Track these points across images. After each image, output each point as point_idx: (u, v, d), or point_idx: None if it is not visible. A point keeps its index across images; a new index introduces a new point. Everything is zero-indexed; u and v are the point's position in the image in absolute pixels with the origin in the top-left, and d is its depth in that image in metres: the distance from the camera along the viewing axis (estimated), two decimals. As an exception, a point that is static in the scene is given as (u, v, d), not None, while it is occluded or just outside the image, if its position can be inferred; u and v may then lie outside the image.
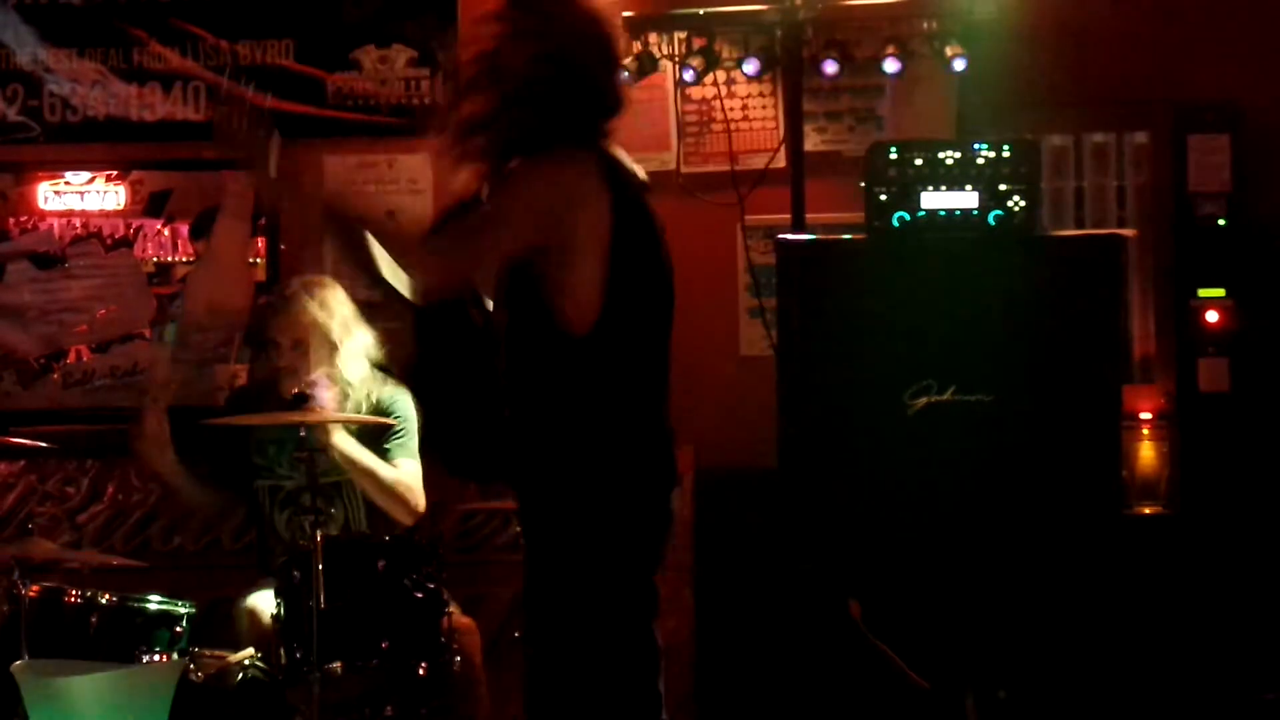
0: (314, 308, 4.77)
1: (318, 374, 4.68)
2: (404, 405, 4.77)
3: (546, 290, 3.21)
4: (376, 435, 4.78)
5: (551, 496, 3.26)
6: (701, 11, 5.30)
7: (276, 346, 4.78)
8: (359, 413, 4.76)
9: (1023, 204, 4.65)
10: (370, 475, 4.70)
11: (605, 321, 3.21)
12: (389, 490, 4.70)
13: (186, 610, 4.49)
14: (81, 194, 5.67)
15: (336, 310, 4.81)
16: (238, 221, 5.64)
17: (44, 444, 4.98)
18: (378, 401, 4.81)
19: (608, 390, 3.24)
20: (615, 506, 3.24)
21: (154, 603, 4.46)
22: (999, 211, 4.65)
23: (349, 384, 4.77)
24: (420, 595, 4.39)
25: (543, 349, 3.24)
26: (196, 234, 5.65)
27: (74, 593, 4.39)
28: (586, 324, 3.20)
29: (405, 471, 4.75)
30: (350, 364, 4.79)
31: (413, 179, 5.64)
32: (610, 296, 3.21)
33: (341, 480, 4.77)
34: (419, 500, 4.76)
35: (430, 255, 3.27)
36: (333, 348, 4.77)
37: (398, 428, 4.78)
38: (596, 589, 3.24)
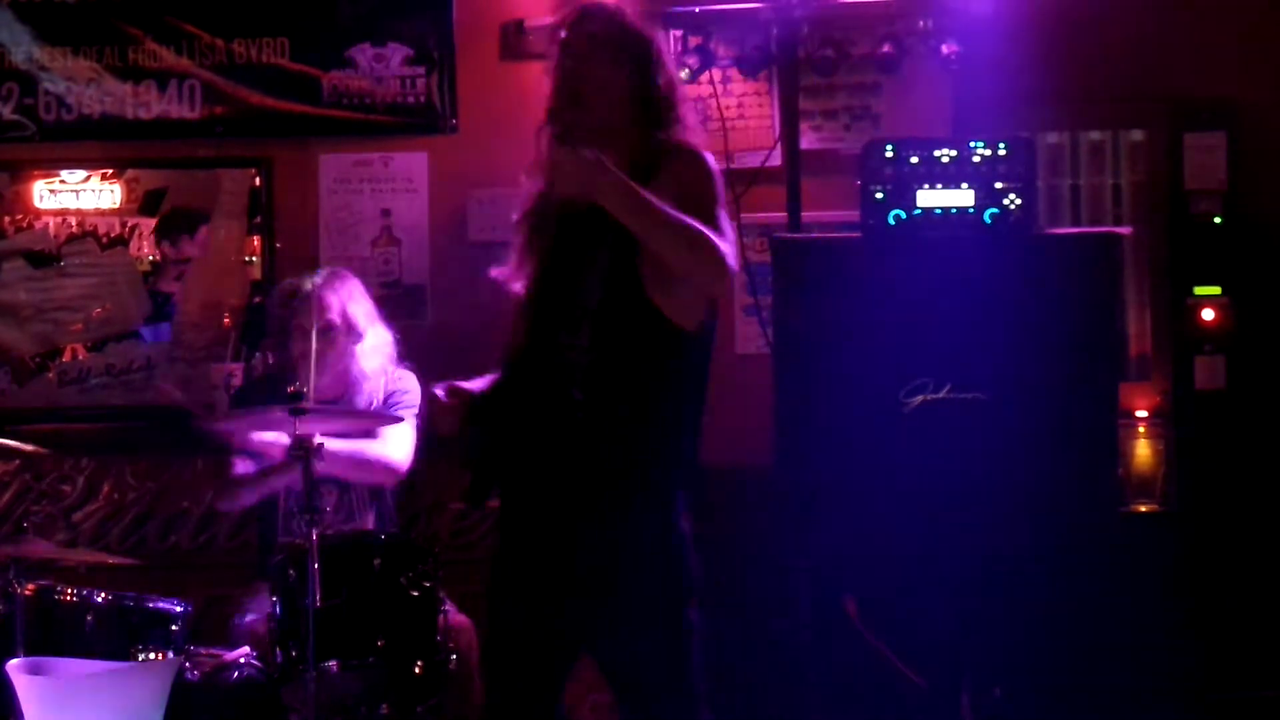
0: (342, 297, 4.86)
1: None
2: (410, 381, 4.89)
3: (650, 281, 3.37)
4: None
5: (637, 477, 3.40)
6: (697, 9, 5.30)
7: (303, 334, 4.79)
8: (372, 404, 4.84)
9: (1019, 202, 4.65)
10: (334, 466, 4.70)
11: (709, 319, 3.46)
12: (353, 462, 4.71)
13: (182, 608, 4.49)
14: (77, 192, 5.66)
15: (360, 303, 4.91)
16: (233, 220, 5.64)
17: (32, 447, 4.98)
18: (389, 389, 4.90)
19: (700, 382, 3.49)
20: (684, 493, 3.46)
21: (150, 601, 4.46)
22: (995, 209, 4.65)
23: (364, 376, 4.86)
24: (416, 594, 4.38)
25: (650, 338, 3.38)
26: (165, 233, 5.64)
27: (69, 591, 4.38)
28: (696, 320, 3.41)
29: (380, 439, 4.77)
30: (369, 356, 4.88)
31: (408, 177, 5.64)
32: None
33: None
34: (394, 460, 4.76)
35: (726, 246, 3.38)
36: (357, 338, 4.86)
37: (397, 399, 4.86)
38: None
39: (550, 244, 3.56)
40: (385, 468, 4.76)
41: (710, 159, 3.51)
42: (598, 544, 3.41)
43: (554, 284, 3.50)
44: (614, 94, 3.50)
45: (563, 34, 3.57)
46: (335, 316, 4.85)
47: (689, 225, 3.32)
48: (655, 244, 3.33)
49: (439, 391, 3.55)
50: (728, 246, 3.36)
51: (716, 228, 3.37)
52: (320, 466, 4.42)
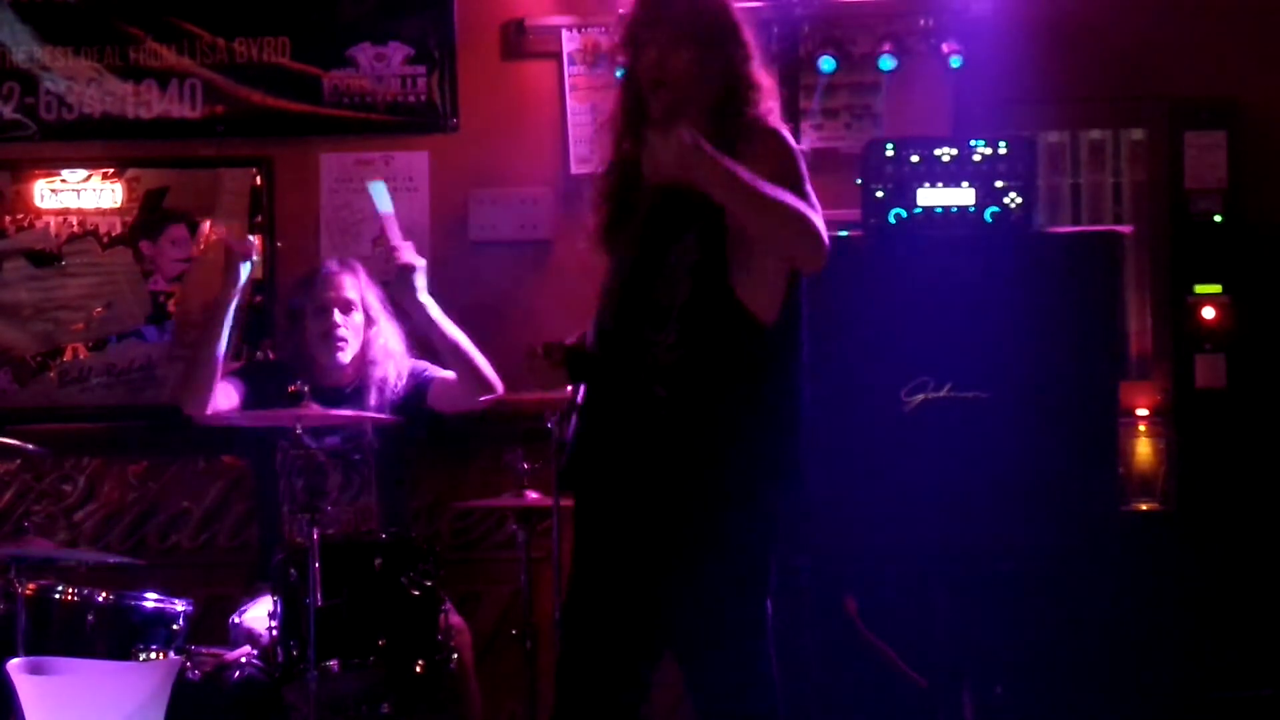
0: (359, 281, 4.99)
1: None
2: (425, 362, 5.03)
3: (735, 275, 3.33)
4: (415, 396, 4.97)
5: (718, 480, 3.37)
6: (698, 8, 5.29)
7: (321, 313, 4.90)
8: (396, 386, 4.95)
9: (1019, 200, 4.65)
10: (453, 343, 4.90)
11: (788, 314, 3.39)
12: (474, 365, 4.89)
13: (183, 608, 4.49)
14: (78, 192, 5.66)
15: (373, 289, 5.04)
16: (234, 220, 5.64)
17: (31, 446, 4.97)
18: (406, 373, 5.00)
19: (789, 379, 3.40)
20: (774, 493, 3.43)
21: (150, 601, 4.46)
22: (995, 208, 4.65)
23: (378, 360, 4.96)
24: (417, 593, 4.39)
25: (735, 334, 3.34)
26: (144, 232, 5.63)
27: (70, 591, 4.38)
28: (774, 312, 3.36)
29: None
30: (384, 339, 4.98)
31: (409, 176, 5.64)
32: (790, 289, 3.40)
33: (361, 456, 4.88)
34: (496, 379, 4.92)
35: (819, 220, 3.33)
36: (371, 321, 4.96)
37: (423, 368, 5.02)
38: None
39: (633, 233, 3.49)
40: (491, 383, 4.90)
41: (788, 135, 3.44)
42: (679, 539, 3.39)
43: (639, 277, 3.43)
44: (700, 83, 3.44)
45: (641, 19, 3.48)
46: (353, 294, 4.95)
47: (786, 203, 3.27)
48: (754, 223, 3.28)
49: (539, 350, 3.50)
50: (820, 221, 3.31)
51: (808, 202, 3.33)
52: (448, 342, 4.81)
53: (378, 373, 4.95)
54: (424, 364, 5.02)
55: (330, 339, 4.89)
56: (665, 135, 3.25)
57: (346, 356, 4.92)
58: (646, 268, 3.40)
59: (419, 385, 4.97)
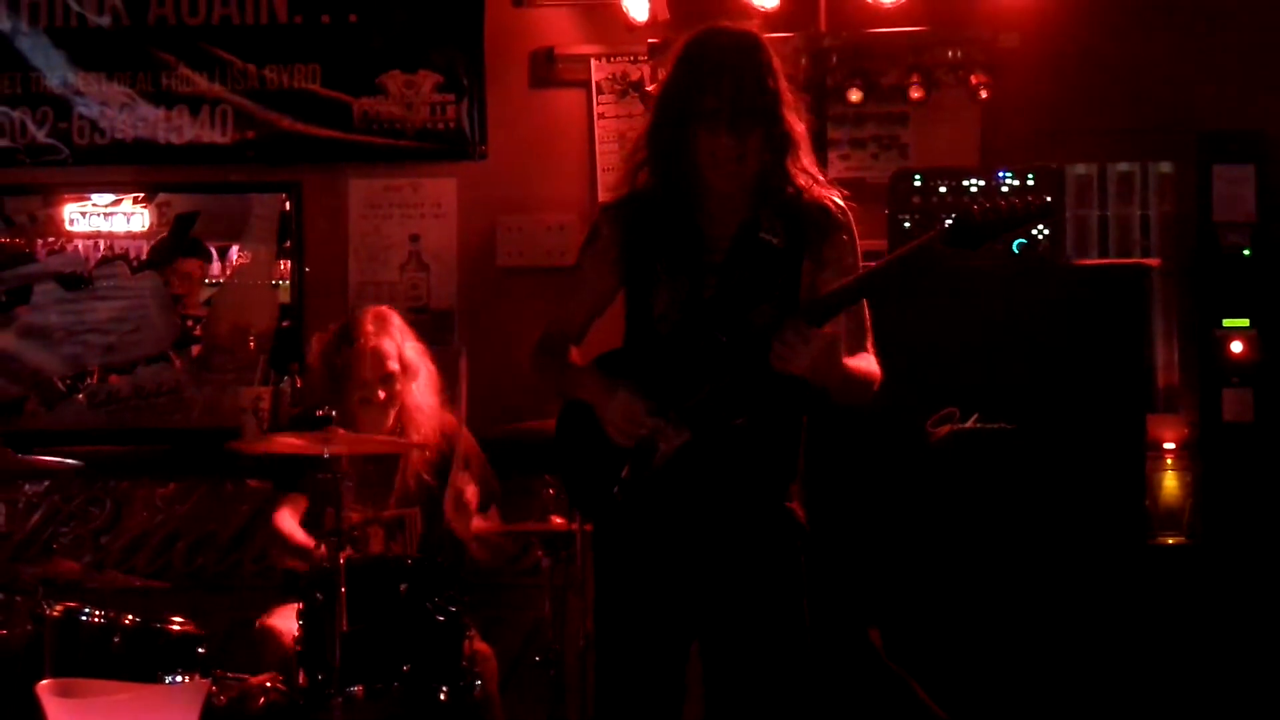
0: (396, 342, 4.86)
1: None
2: (467, 435, 4.91)
3: None
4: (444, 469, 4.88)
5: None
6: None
7: (364, 385, 4.81)
8: (431, 440, 4.84)
9: (1047, 233, 4.65)
10: None
11: None
12: None
13: (207, 632, 4.49)
14: (108, 216, 5.70)
15: (409, 340, 4.91)
16: (262, 244, 5.67)
17: (70, 460, 4.97)
18: (444, 427, 4.91)
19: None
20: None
21: (176, 624, 4.47)
22: (1023, 240, 4.65)
23: (419, 409, 4.85)
24: (442, 619, 4.39)
25: (797, 391, 3.43)
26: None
27: (97, 613, 4.40)
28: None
29: None
30: (423, 393, 4.88)
31: (437, 203, 5.67)
32: None
33: (404, 515, 4.82)
34: None
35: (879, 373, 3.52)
36: (412, 377, 4.86)
37: (468, 457, 4.90)
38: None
39: (688, 270, 3.48)
40: None
41: (848, 214, 3.51)
42: (721, 541, 3.47)
43: (712, 326, 3.45)
44: (764, 152, 3.45)
45: (721, 108, 3.43)
46: (394, 364, 4.85)
47: (869, 381, 3.47)
48: (839, 395, 3.47)
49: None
50: (879, 371, 3.49)
51: (869, 338, 3.51)
52: None
53: (416, 421, 4.87)
54: (470, 465, 4.93)
55: (371, 406, 4.82)
56: (803, 334, 3.29)
57: (389, 421, 4.86)
58: (723, 318, 3.43)
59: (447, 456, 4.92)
